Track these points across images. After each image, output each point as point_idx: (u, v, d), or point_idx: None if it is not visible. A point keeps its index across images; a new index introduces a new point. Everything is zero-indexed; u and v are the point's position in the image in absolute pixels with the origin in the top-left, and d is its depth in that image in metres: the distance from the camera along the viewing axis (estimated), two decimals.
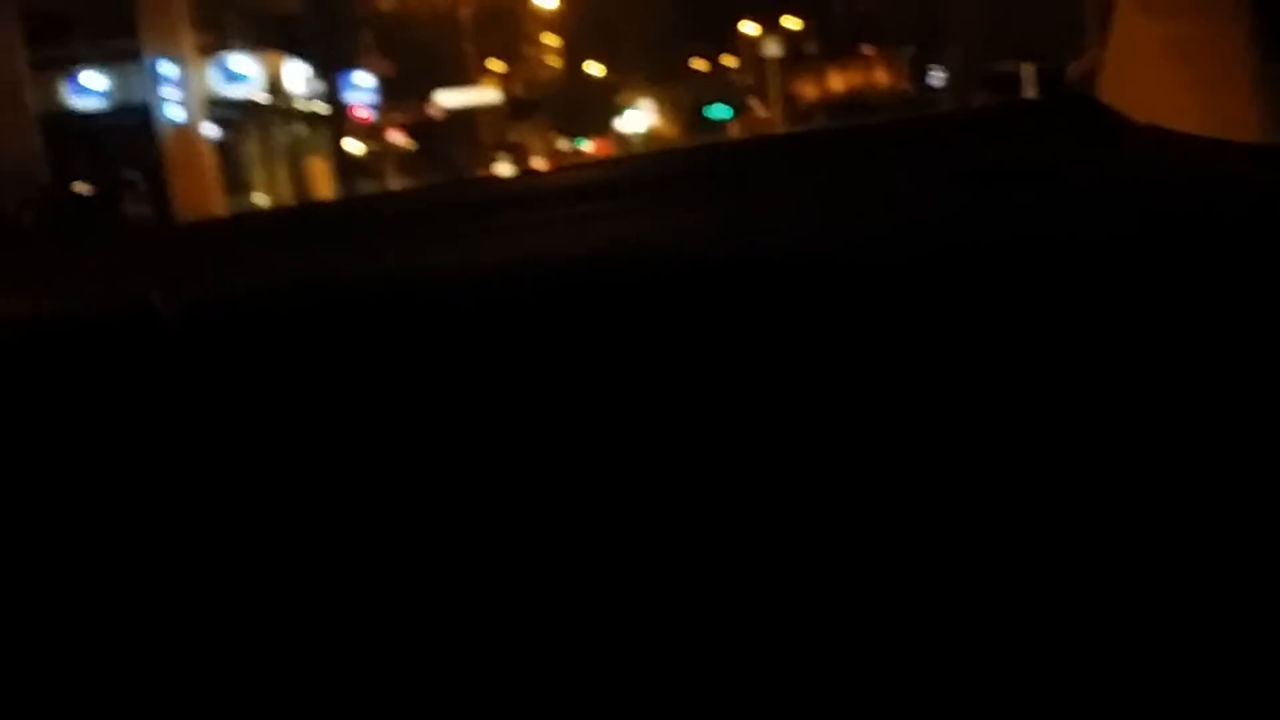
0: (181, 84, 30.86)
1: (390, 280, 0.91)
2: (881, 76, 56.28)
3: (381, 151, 31.22)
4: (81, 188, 27.58)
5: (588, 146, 62.23)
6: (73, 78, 31.14)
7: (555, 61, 51.38)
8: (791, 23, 53.83)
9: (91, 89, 31.33)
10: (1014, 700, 0.77)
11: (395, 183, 29.33)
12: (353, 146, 34.21)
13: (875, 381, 0.91)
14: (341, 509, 0.79)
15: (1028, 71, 21.76)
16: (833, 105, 52.09)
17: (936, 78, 44.94)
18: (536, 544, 0.78)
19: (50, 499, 0.80)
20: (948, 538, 0.81)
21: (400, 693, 0.77)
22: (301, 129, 35.74)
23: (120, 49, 30.86)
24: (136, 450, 0.89)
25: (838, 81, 58.95)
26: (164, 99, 30.69)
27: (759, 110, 55.31)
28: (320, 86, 33.88)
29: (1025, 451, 0.83)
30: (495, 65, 43.76)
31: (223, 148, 33.11)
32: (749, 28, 55.02)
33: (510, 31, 42.74)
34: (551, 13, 47.32)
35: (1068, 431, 0.85)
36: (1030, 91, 17.95)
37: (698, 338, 0.89)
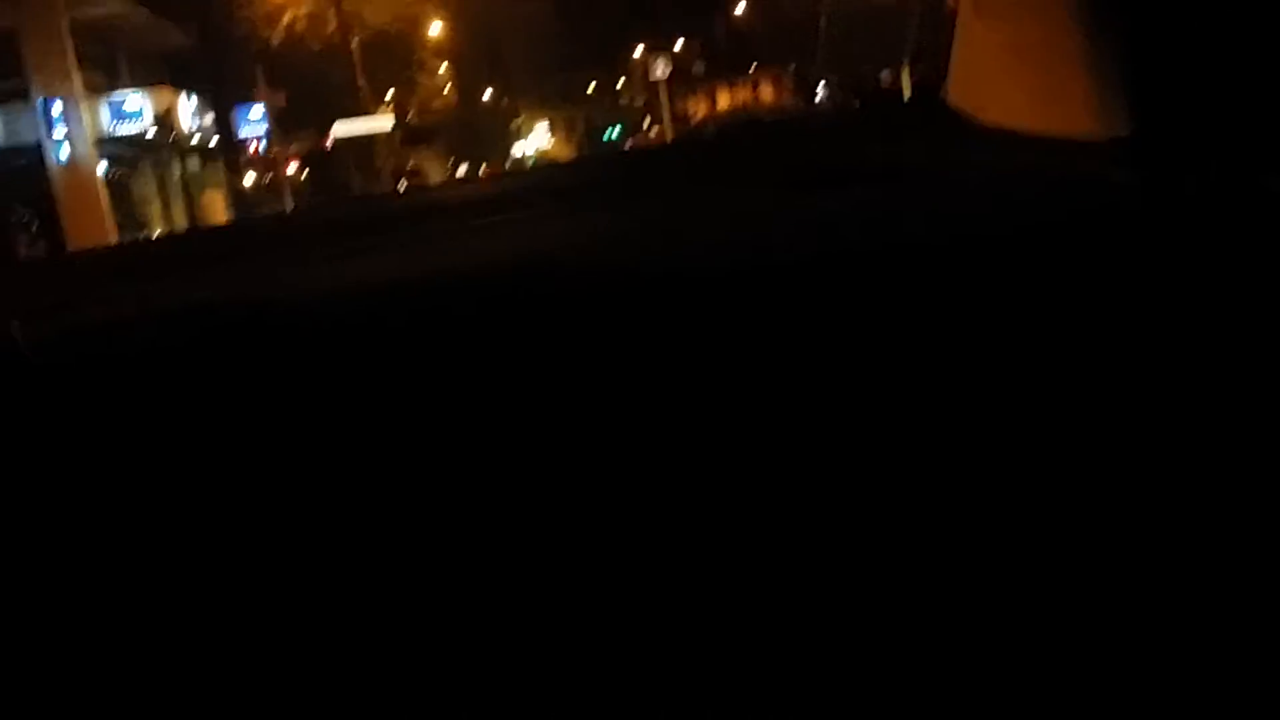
0: (71, 123, 30.79)
1: (260, 304, 0.98)
2: (766, 93, 57.54)
3: (276, 183, 31.40)
4: None
5: (484, 171, 62.63)
6: None
7: (449, 88, 51.78)
8: (679, 45, 54.85)
9: None
10: (1012, 699, 0.78)
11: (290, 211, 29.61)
12: (248, 180, 34.36)
13: (725, 387, 0.87)
14: (209, 539, 0.78)
15: (902, 79, 22.86)
16: (720, 122, 53.21)
17: (820, 92, 46.23)
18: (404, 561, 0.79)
19: None
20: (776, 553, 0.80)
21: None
22: (195, 164, 35.77)
23: (7, 90, 30.70)
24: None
25: (725, 98, 60.17)
26: (55, 139, 30.59)
27: (651, 131, 56.16)
28: (213, 121, 33.96)
29: (875, 464, 0.81)
30: (389, 94, 44.08)
31: (116, 185, 33.01)
32: (638, 51, 55.95)
33: (402, 61, 43.06)
34: (443, 41, 47.74)
35: (919, 440, 0.83)
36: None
37: (562, 346, 0.87)
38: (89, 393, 0.92)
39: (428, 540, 0.80)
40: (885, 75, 38.12)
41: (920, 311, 0.94)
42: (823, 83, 45.36)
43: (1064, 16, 1.26)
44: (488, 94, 62.72)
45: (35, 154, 30.75)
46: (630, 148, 49.76)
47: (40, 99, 30.55)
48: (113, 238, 31.40)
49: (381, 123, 38.87)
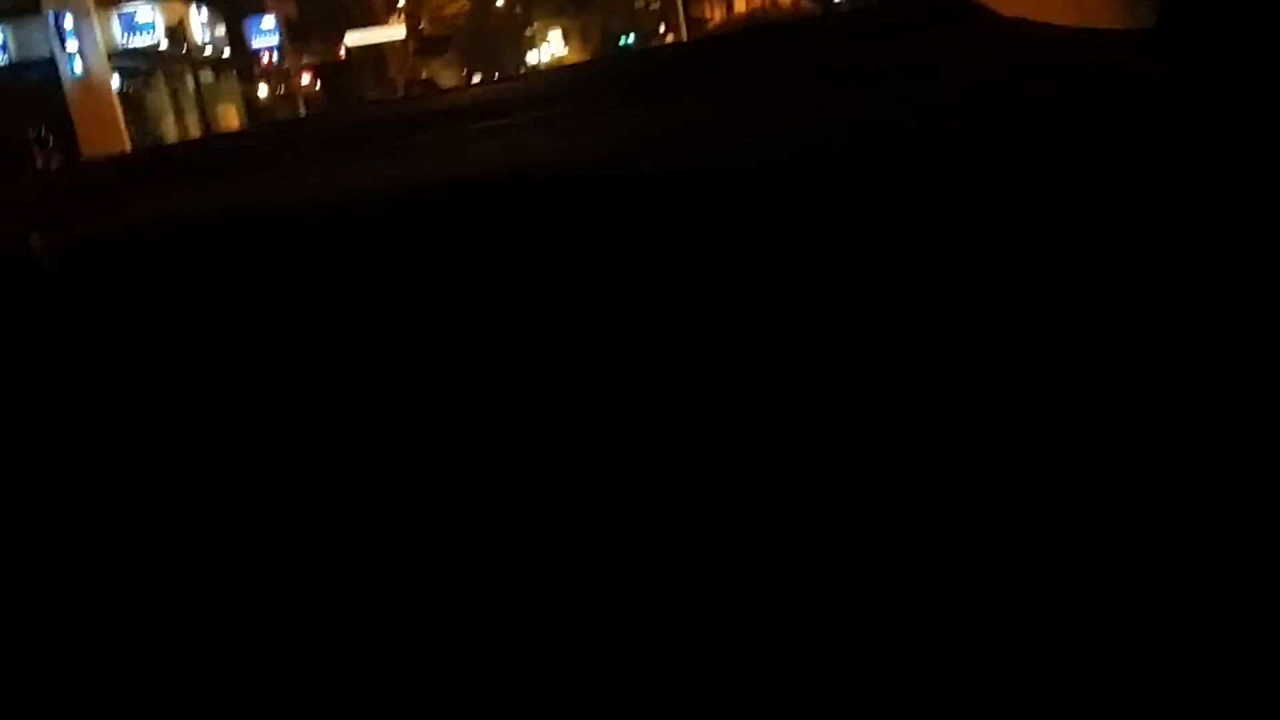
0: (83, 36, 30.64)
1: (266, 210, 0.94)
2: None
3: (289, 94, 31.24)
4: None
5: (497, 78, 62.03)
6: None
7: None
8: None
9: None
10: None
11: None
12: (262, 91, 34.19)
13: (756, 304, 0.83)
14: (249, 463, 0.77)
15: None
16: (737, 24, 52.40)
17: None
18: (435, 497, 0.77)
19: None
20: (818, 490, 0.79)
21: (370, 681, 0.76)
22: (208, 76, 35.59)
23: (18, 3, 30.53)
24: (22, 412, 0.81)
25: (741, 3, 59.27)
26: (67, 52, 30.46)
27: (667, 37, 55.42)
28: (225, 33, 33.72)
29: (912, 389, 0.80)
30: (401, 3, 43.62)
31: (129, 98, 32.90)
32: None
33: None
34: None
35: (962, 357, 0.81)
36: None
37: (581, 259, 0.84)
38: (118, 308, 0.88)
39: (423, 465, 0.78)
40: None
41: (955, 211, 0.88)
42: None
43: None
44: (500, 2, 61.92)
45: (48, 68, 30.65)
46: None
47: (51, 11, 30.37)
48: (128, 150, 31.40)
49: (394, 32, 38.57)
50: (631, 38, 65.53)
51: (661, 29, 58.18)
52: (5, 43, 30.89)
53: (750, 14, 55.11)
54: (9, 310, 0.91)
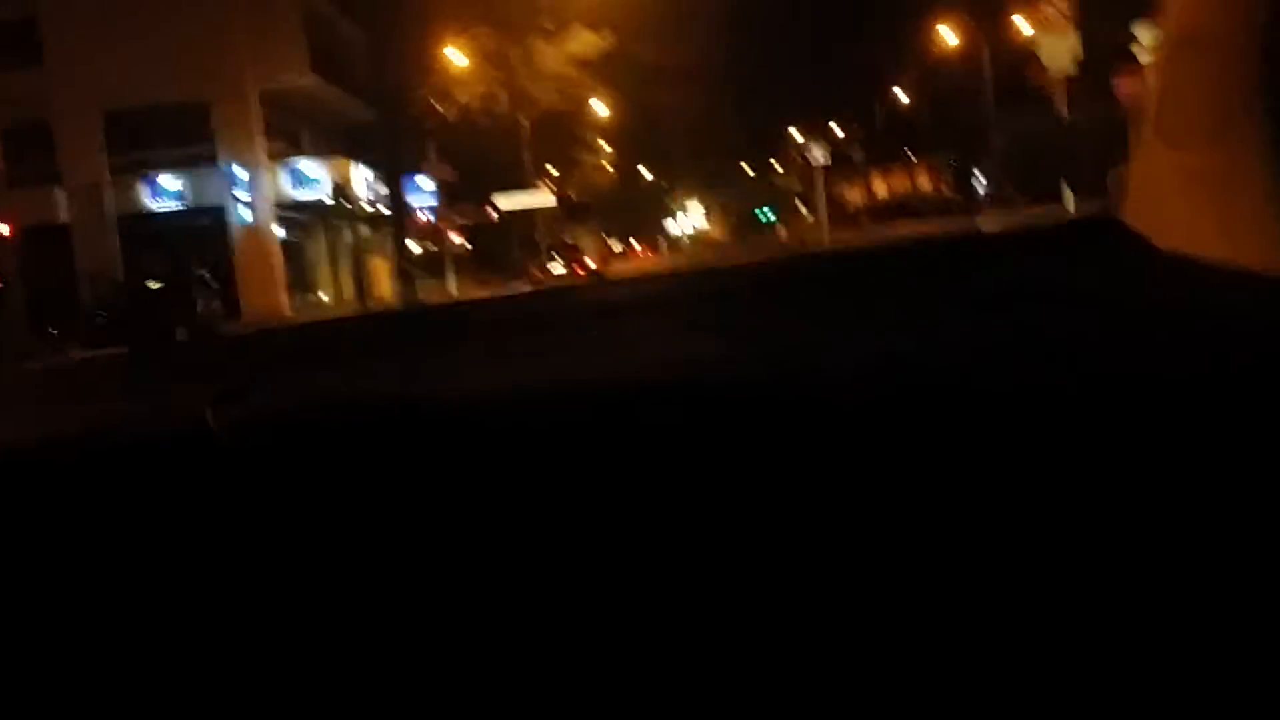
0: (253, 187, 32.42)
1: (430, 402, 0.99)
2: (924, 182, 57.23)
3: (440, 251, 32.42)
4: (154, 285, 28.87)
5: (637, 246, 63.62)
6: (151, 180, 32.72)
7: (609, 166, 52.81)
8: (838, 130, 55.14)
9: (168, 191, 32.88)
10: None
11: (452, 281, 30.51)
12: (413, 247, 35.53)
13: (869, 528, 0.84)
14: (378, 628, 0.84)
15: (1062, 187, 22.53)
16: (876, 209, 53.03)
17: (979, 184, 45.86)
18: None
19: (94, 620, 0.85)
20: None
21: None
22: (365, 230, 37.15)
23: (196, 154, 32.49)
24: (188, 570, 0.87)
25: (881, 187, 60.02)
26: (236, 201, 32.23)
27: (805, 214, 56.31)
28: (384, 190, 35.31)
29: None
30: (551, 169, 45.18)
31: (289, 247, 34.52)
32: (796, 136, 56.34)
33: (566, 138, 44.11)
34: (607, 120, 48.79)
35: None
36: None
37: (724, 469, 0.85)
38: (283, 480, 0.96)
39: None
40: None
41: (1109, 453, 0.88)
42: (981, 176, 45.06)
43: (1251, 146, 1.17)
44: (645, 173, 63.79)
45: (217, 215, 32.41)
46: (783, 239, 49.90)
47: (226, 163, 32.27)
48: (283, 297, 32.84)
49: (543, 197, 39.79)
50: (769, 213, 66.81)
51: (799, 206, 59.18)
52: (183, 190, 32.77)
53: (892, 197, 55.81)
54: (185, 479, 0.97)
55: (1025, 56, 26.84)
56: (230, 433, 1.03)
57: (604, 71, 41.99)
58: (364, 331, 1.82)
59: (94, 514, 0.95)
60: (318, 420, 1.06)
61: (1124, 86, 20.95)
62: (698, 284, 1.86)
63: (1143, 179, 1.28)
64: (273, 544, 0.90)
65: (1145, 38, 20.03)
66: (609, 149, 52.18)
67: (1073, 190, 16.54)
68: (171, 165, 32.92)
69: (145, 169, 32.79)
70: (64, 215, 32.10)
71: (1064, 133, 20.96)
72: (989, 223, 23.51)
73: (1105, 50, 22.06)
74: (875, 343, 1.12)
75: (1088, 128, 19.27)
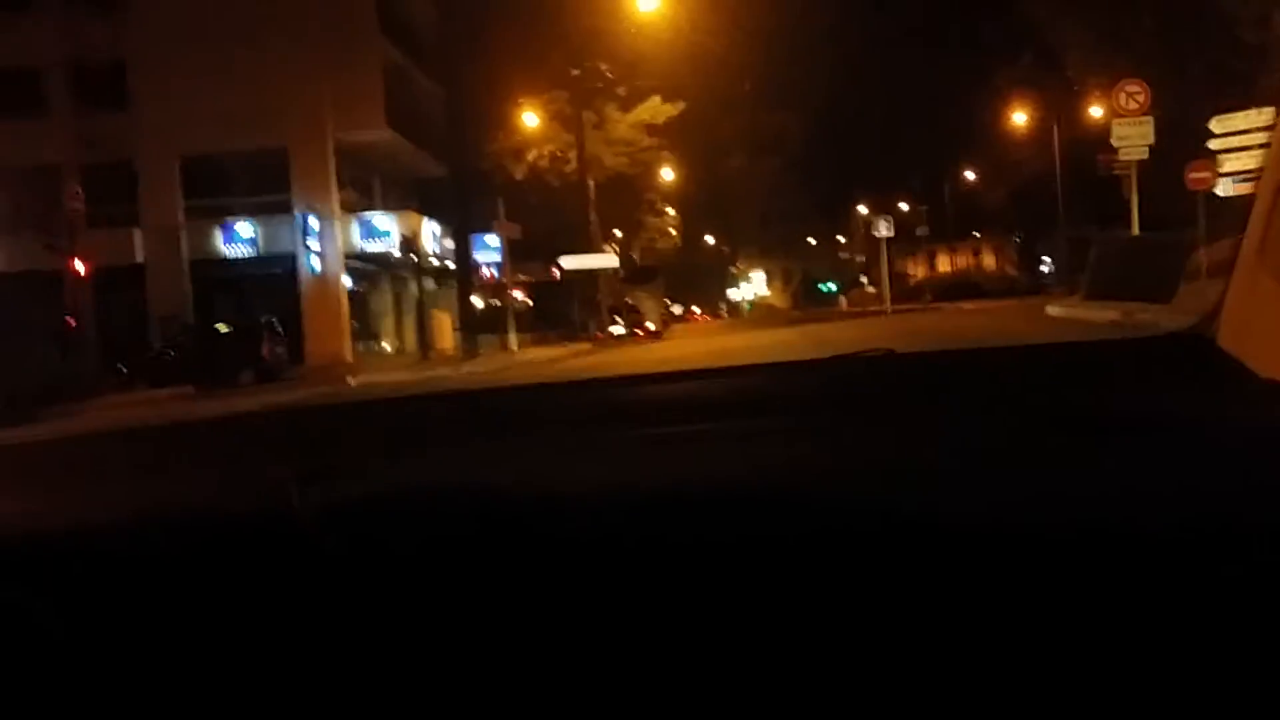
0: (324, 237, 32.99)
1: (512, 496, 0.99)
2: (989, 260, 57.15)
3: (502, 307, 32.71)
4: (223, 328, 29.41)
5: (697, 310, 63.81)
6: (226, 226, 33.38)
7: (673, 231, 53.17)
8: (904, 206, 55.24)
9: (241, 237, 33.50)
10: None
11: (514, 337, 30.73)
12: (477, 302, 35.89)
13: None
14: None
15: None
16: (938, 285, 52.96)
17: (1045, 265, 45.73)
18: None
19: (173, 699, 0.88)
20: None
21: None
22: (430, 283, 37.57)
23: (270, 202, 33.14)
24: (262, 650, 0.88)
25: (945, 262, 59.99)
26: (307, 250, 32.81)
27: (867, 287, 56.34)
28: (451, 245, 35.73)
29: None
30: (616, 232, 45.51)
31: (356, 296, 35.02)
32: (861, 208, 56.52)
33: (632, 202, 44.49)
34: (673, 186, 49.18)
35: None
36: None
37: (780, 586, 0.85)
38: (362, 567, 0.96)
39: None
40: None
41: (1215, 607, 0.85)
42: (1048, 259, 44.92)
43: None
44: (710, 239, 64.13)
45: (288, 262, 32.96)
46: (844, 309, 49.76)
47: (300, 213, 32.88)
48: (347, 344, 33.28)
49: (606, 260, 40.04)
50: (832, 285, 66.85)
51: (863, 279, 59.20)
52: (255, 236, 33.41)
53: (956, 272, 55.75)
54: (265, 558, 0.99)
55: (1099, 142, 26.78)
56: (313, 517, 1.03)
57: (674, 137, 42.48)
58: (436, 409, 1.79)
59: (176, 593, 0.97)
60: (404, 510, 1.06)
61: (1195, 178, 20.89)
62: (771, 377, 1.80)
63: (1242, 304, 1.29)
64: (350, 628, 0.92)
65: (1219, 129, 19.99)
66: (674, 214, 52.55)
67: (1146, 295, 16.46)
68: (246, 211, 33.54)
69: (221, 214, 33.43)
70: (139, 256, 32.77)
71: (1142, 242, 20.89)
72: (1055, 308, 23.36)
73: (1178, 140, 22.03)
74: (960, 461, 1.09)
75: (1161, 239, 19.20)
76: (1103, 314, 17.60)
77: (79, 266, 27.00)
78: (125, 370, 28.59)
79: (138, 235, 32.75)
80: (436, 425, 1.64)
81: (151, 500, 1.23)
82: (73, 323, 27.27)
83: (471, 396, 1.96)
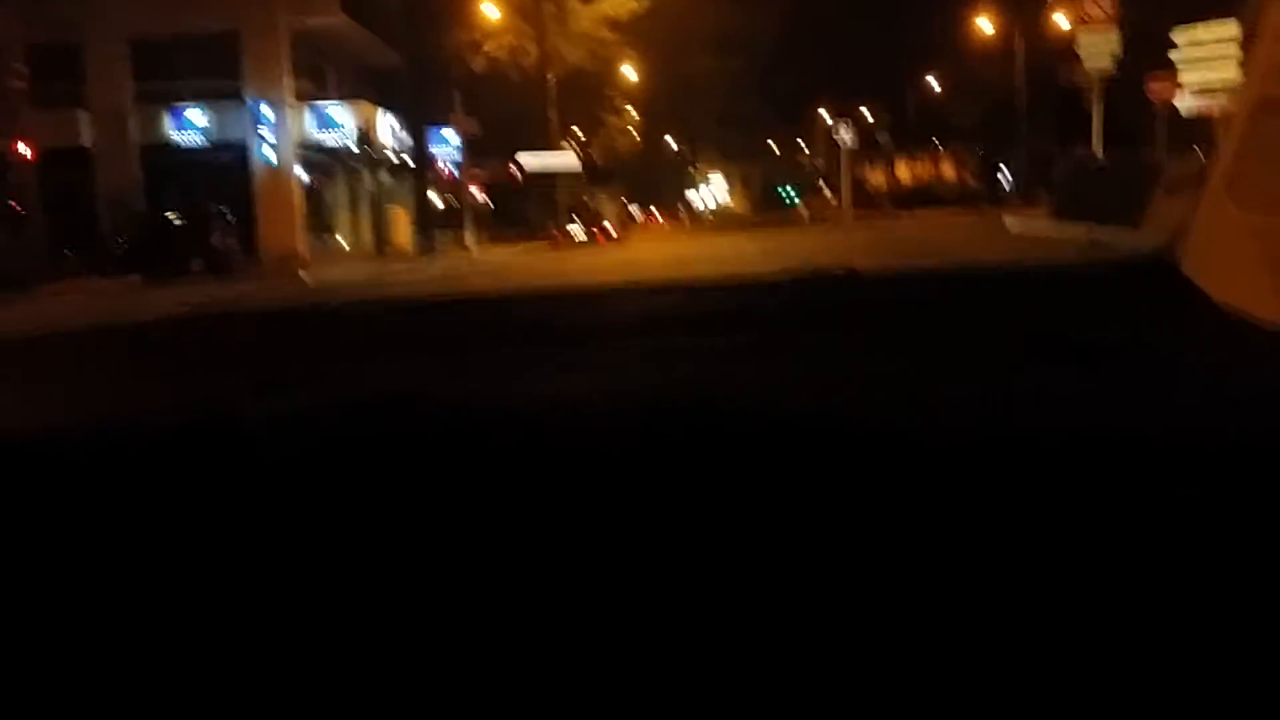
0: (277, 126, 32.37)
1: (480, 408, 0.97)
2: (949, 171, 57.15)
3: (460, 205, 32.39)
4: (173, 216, 28.93)
5: (658, 215, 63.56)
6: (176, 111, 32.68)
7: (634, 132, 52.65)
8: (867, 115, 54.88)
9: (192, 124, 32.85)
10: None
11: (471, 236, 30.50)
12: (434, 199, 35.50)
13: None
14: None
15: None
16: (899, 193, 53.05)
17: (1003, 176, 45.76)
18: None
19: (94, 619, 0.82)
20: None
21: None
22: (386, 178, 37.10)
23: (222, 88, 32.43)
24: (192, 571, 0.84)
25: (905, 172, 59.92)
26: (260, 139, 32.21)
27: (827, 194, 56.21)
28: (408, 139, 35.21)
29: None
30: (576, 131, 45.04)
31: (310, 189, 34.52)
32: (824, 115, 56.14)
33: (593, 100, 43.97)
34: (635, 85, 48.63)
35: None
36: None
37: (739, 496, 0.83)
38: (306, 476, 0.93)
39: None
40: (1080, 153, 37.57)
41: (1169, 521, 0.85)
42: (1005, 168, 44.97)
43: None
44: (671, 142, 63.55)
45: (240, 151, 32.39)
46: (804, 218, 49.73)
47: (251, 99, 32.22)
48: (301, 238, 32.88)
49: (566, 159, 39.71)
50: (791, 190, 66.64)
51: (822, 187, 59.05)
52: (207, 123, 32.75)
53: (916, 182, 55.74)
54: (223, 473, 0.94)
55: (1063, 53, 26.68)
56: (263, 427, 1.00)
57: (636, 34, 41.89)
58: (402, 313, 1.79)
59: (104, 506, 0.92)
60: (363, 417, 1.02)
61: (1156, 89, 20.88)
62: (741, 296, 1.78)
63: (1207, 233, 1.30)
64: (306, 543, 0.88)
65: (1181, 40, 19.91)
66: (635, 115, 52.04)
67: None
68: (197, 97, 32.82)
69: (171, 99, 32.71)
70: (86, 140, 32.05)
71: (1110, 164, 20.86)
72: (1012, 220, 23.41)
73: (1141, 52, 21.93)
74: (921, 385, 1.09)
75: (1131, 163, 19.22)
76: (1062, 231, 17.67)
77: (22, 148, 26.33)
78: (73, 257, 28.14)
79: (84, 117, 31.94)
80: (397, 337, 1.59)
81: (101, 407, 1.18)
82: (17, 206, 26.69)
83: (433, 307, 1.91)
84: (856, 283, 1.63)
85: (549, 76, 37.83)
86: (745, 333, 1.42)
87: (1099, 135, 22.22)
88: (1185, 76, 19.97)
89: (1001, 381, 1.09)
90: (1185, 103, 20.10)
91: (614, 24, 39.71)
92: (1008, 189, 42.76)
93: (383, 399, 1.05)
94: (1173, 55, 20.13)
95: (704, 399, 1.04)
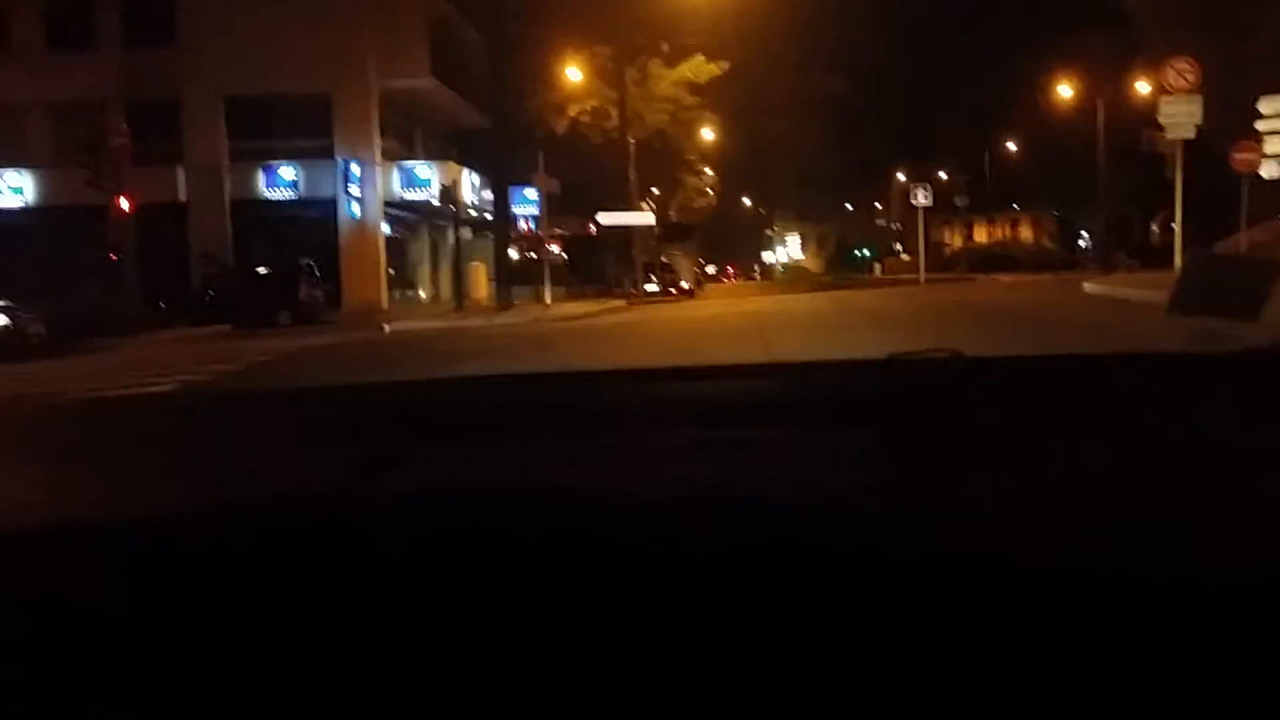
0: (365, 183, 33.18)
1: (578, 498, 0.89)
2: (1026, 233, 56.80)
3: (539, 260, 32.86)
4: (262, 270, 29.72)
5: (730, 271, 63.72)
6: (268, 168, 33.59)
7: (711, 191, 53.07)
8: (943, 174, 54.86)
9: (283, 180, 33.72)
10: None
11: (548, 290, 30.85)
12: (514, 254, 36.04)
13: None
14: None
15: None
16: (974, 255, 52.59)
17: (1083, 240, 45.47)
18: None
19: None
20: None
21: None
22: (467, 234, 37.73)
23: (313, 146, 33.30)
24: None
25: (982, 233, 59.65)
26: (348, 195, 33.02)
27: (902, 255, 56.02)
28: (489, 197, 35.85)
29: None
30: (654, 190, 45.49)
31: (393, 244, 35.23)
32: (900, 176, 56.17)
33: (672, 161, 44.40)
34: (712, 146, 49.01)
35: None
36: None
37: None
38: (419, 559, 0.91)
39: None
40: (1155, 230, 37.26)
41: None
42: (1085, 235, 44.66)
43: None
44: (746, 201, 63.92)
45: (328, 207, 33.20)
46: (880, 270, 49.54)
47: (341, 158, 33.06)
48: (384, 292, 33.57)
49: (643, 217, 40.10)
50: (867, 252, 66.56)
51: (898, 247, 58.90)
52: (297, 180, 33.62)
53: (993, 244, 55.42)
54: (328, 554, 0.93)
55: (1143, 119, 26.62)
56: (381, 504, 0.99)
57: (716, 97, 42.32)
58: (496, 393, 1.69)
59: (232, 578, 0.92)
60: (467, 508, 0.99)
61: (1241, 159, 20.77)
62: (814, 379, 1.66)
63: None
64: (400, 628, 0.88)
65: (1268, 109, 19.84)
66: (712, 174, 52.43)
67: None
68: (288, 155, 33.72)
69: (263, 156, 33.63)
70: (182, 195, 33.05)
71: (1231, 259, 20.73)
72: (1092, 284, 23.33)
73: (1224, 121, 21.85)
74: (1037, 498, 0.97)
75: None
76: (1140, 293, 17.58)
77: (123, 203, 27.27)
78: (164, 307, 28.97)
79: (180, 173, 32.99)
80: (485, 409, 1.54)
81: (207, 476, 1.19)
82: (115, 258, 27.60)
83: (518, 382, 1.86)
84: (955, 368, 1.53)
85: (629, 138, 38.34)
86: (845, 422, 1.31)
87: (1180, 203, 22.12)
88: (1271, 145, 19.89)
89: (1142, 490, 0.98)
90: (1271, 171, 20.00)
91: (694, 88, 40.18)
92: (1085, 253, 42.40)
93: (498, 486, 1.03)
94: (1259, 125, 20.07)
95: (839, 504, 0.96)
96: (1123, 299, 19.13)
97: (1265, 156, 20.12)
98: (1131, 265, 32.17)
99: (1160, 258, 24.37)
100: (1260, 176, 20.37)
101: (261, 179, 33.77)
